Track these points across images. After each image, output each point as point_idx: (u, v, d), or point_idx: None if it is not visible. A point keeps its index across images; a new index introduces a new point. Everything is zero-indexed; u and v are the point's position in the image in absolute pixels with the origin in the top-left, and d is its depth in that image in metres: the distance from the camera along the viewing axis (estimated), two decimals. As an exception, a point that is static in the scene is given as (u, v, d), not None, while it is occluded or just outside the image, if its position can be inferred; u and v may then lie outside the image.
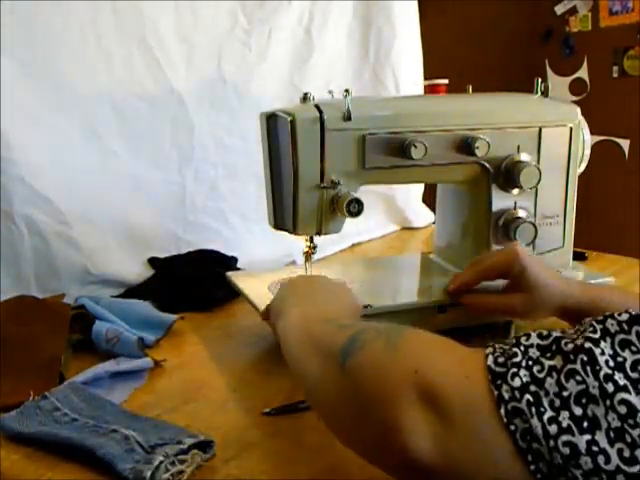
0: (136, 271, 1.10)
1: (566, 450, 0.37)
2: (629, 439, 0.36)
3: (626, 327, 0.39)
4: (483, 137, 0.84)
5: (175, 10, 1.17)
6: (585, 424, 0.37)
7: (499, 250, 0.79)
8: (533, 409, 0.38)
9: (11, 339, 0.79)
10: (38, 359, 0.76)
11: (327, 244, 1.19)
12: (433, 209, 1.08)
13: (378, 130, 0.81)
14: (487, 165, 0.86)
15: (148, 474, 0.54)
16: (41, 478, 0.58)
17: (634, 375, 0.37)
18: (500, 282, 0.77)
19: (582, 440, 0.37)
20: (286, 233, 0.87)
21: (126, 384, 0.75)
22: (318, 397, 0.53)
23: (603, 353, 0.38)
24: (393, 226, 1.53)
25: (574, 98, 2.30)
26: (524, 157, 0.86)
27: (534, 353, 0.41)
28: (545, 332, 0.42)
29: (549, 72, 2.37)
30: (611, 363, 0.38)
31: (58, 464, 0.60)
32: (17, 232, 0.98)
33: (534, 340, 0.42)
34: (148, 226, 1.15)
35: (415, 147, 0.80)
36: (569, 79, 2.34)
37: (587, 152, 0.92)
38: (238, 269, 1.12)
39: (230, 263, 1.12)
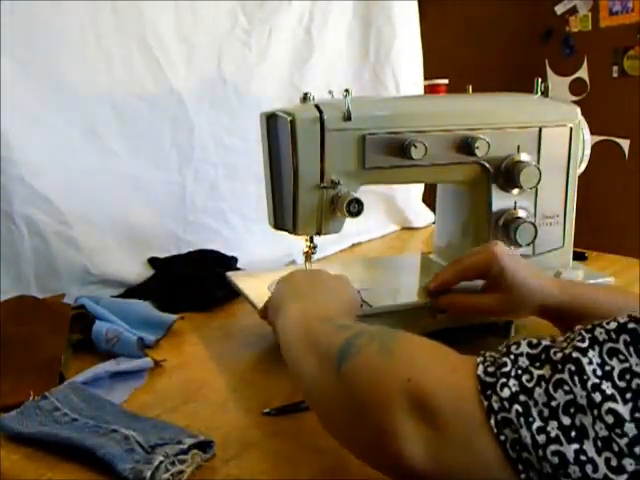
0: (136, 271, 1.10)
1: (555, 459, 0.37)
2: (616, 448, 0.37)
3: (614, 336, 0.39)
4: (483, 137, 0.84)
5: (175, 10, 1.17)
6: (573, 433, 0.37)
7: (478, 249, 0.77)
8: (522, 419, 0.38)
9: (11, 339, 0.79)
10: (38, 359, 0.76)
11: (327, 244, 1.19)
12: (433, 209, 1.08)
13: (378, 130, 0.81)
14: (487, 165, 0.86)
15: (148, 474, 0.54)
16: (41, 478, 0.58)
17: (621, 384, 0.37)
18: (479, 282, 0.76)
19: (570, 449, 0.37)
20: (286, 233, 0.87)
21: (126, 384, 0.75)
22: (315, 397, 0.54)
23: (591, 362, 0.38)
24: (393, 226, 1.53)
25: (574, 98, 2.29)
26: (524, 157, 0.86)
27: (523, 362, 0.41)
28: (535, 340, 0.42)
29: (549, 72, 2.37)
30: (599, 372, 0.38)
31: (58, 464, 0.60)
32: (17, 232, 0.98)
33: (524, 349, 0.42)
34: (148, 226, 1.15)
35: (415, 147, 0.80)
36: (569, 79, 2.33)
37: (587, 152, 0.92)
38: (238, 269, 1.12)
39: (230, 263, 1.12)
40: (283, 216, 0.86)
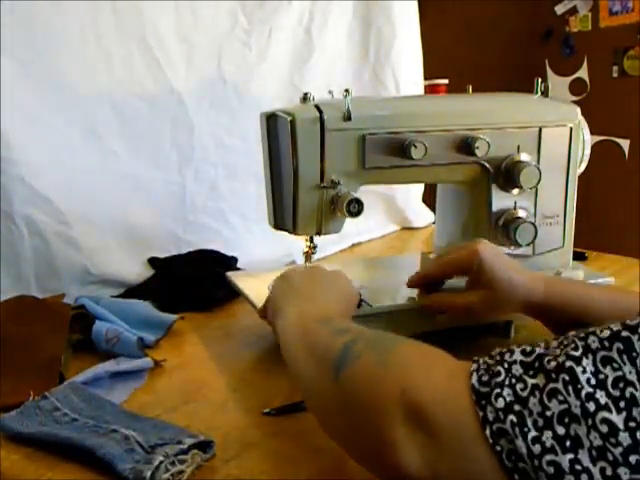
0: (136, 271, 1.10)
1: (550, 469, 0.37)
2: (611, 457, 0.37)
3: (607, 344, 0.39)
4: (483, 137, 0.84)
5: (175, 10, 1.17)
6: (568, 443, 0.37)
7: (461, 246, 0.76)
8: (517, 429, 0.38)
9: (11, 339, 0.79)
10: (38, 359, 0.76)
11: (327, 244, 1.19)
12: (433, 209, 1.08)
13: (378, 130, 0.81)
14: (487, 165, 0.86)
15: (148, 474, 0.54)
16: (41, 478, 0.58)
17: (615, 393, 0.37)
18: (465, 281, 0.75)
19: (565, 459, 0.37)
20: (286, 233, 0.87)
21: (126, 384, 0.75)
22: (314, 400, 0.54)
23: (585, 371, 0.38)
24: (393, 226, 1.53)
25: (574, 98, 2.29)
26: (524, 157, 0.86)
27: (517, 370, 0.41)
28: (529, 348, 0.42)
29: (549, 72, 2.37)
30: (592, 381, 0.38)
31: (58, 464, 0.60)
32: (17, 232, 0.98)
33: (517, 357, 0.42)
34: (148, 226, 1.15)
35: (415, 147, 0.80)
36: (569, 79, 2.33)
37: (587, 152, 0.92)
38: (238, 269, 1.12)
39: (230, 263, 1.12)
40: (283, 216, 0.86)
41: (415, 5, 1.54)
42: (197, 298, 1.00)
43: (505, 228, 0.88)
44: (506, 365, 0.41)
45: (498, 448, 0.39)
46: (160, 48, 1.14)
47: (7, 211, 0.97)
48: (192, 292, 1.01)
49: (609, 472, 0.37)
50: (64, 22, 1.03)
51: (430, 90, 1.52)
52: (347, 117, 0.80)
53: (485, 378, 0.41)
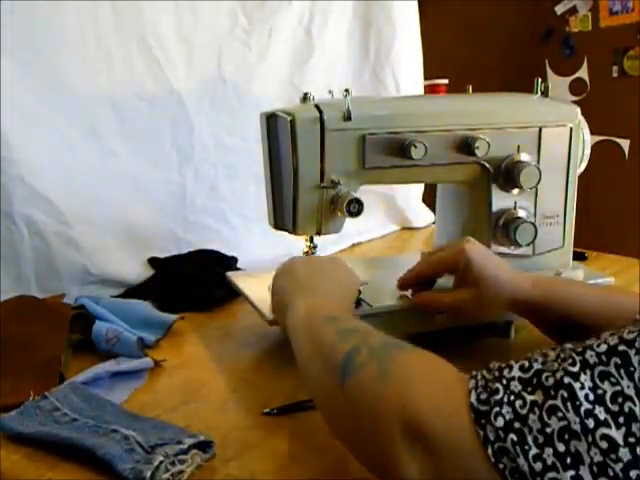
0: (136, 271, 1.10)
1: None
2: (612, 473, 0.37)
3: (605, 358, 0.39)
4: (483, 137, 0.84)
5: (175, 10, 1.17)
6: (569, 460, 0.37)
7: (448, 244, 0.76)
8: (518, 448, 0.38)
9: (11, 339, 0.79)
10: (38, 359, 0.76)
11: (327, 244, 1.19)
12: (433, 209, 1.08)
13: (378, 130, 0.81)
14: (487, 165, 0.86)
15: (148, 474, 0.54)
16: (41, 478, 0.58)
17: (614, 408, 0.37)
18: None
19: (567, 476, 0.37)
20: (286, 233, 0.87)
21: (126, 384, 0.75)
22: (320, 400, 0.55)
23: (583, 387, 0.38)
24: (393, 226, 1.53)
25: (574, 98, 2.29)
26: (524, 157, 0.86)
27: (516, 387, 0.41)
28: (527, 364, 0.42)
29: (549, 72, 2.36)
30: (591, 397, 0.38)
31: (58, 464, 0.60)
32: (17, 232, 0.98)
33: (515, 373, 0.42)
34: (148, 226, 1.15)
35: (415, 147, 0.80)
36: (569, 79, 2.33)
37: (587, 152, 0.92)
38: (238, 269, 1.12)
39: (230, 263, 1.12)
40: (283, 216, 0.86)
41: (415, 5, 1.55)
42: (197, 298, 1.00)
43: (505, 228, 0.88)
44: (504, 382, 0.41)
45: (501, 466, 0.39)
46: (160, 48, 1.14)
47: (7, 211, 0.97)
48: (192, 292, 1.01)
49: None
50: (64, 22, 1.03)
51: (430, 90, 1.51)
52: (347, 117, 0.80)
53: (484, 396, 0.41)
